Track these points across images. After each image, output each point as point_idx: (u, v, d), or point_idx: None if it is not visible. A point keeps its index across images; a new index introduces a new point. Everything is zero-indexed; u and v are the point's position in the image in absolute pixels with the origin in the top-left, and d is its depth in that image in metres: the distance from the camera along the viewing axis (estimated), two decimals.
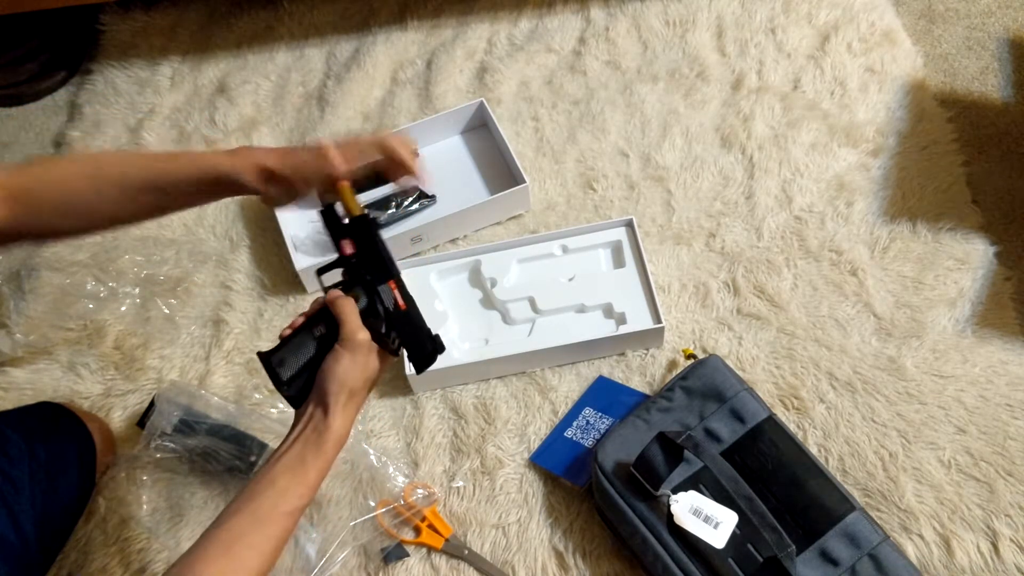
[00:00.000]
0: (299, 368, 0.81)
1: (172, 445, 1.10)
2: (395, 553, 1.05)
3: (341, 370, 0.78)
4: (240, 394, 1.21)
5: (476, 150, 1.42)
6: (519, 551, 1.05)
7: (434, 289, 1.26)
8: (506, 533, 1.07)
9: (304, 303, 1.29)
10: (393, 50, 1.60)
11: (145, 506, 1.09)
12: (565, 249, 1.28)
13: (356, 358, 0.79)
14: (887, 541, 0.94)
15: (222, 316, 1.29)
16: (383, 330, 0.83)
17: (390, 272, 0.85)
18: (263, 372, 1.22)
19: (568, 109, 1.47)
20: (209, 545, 0.73)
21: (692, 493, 0.97)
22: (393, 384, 1.20)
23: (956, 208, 1.28)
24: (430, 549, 1.07)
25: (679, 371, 1.12)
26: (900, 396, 1.12)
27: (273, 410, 1.17)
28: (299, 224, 1.35)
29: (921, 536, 1.01)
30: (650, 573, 0.98)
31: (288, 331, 0.83)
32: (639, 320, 1.19)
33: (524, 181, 1.30)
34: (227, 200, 1.43)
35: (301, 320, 0.84)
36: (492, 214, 1.33)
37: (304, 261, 1.29)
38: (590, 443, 1.10)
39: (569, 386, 1.18)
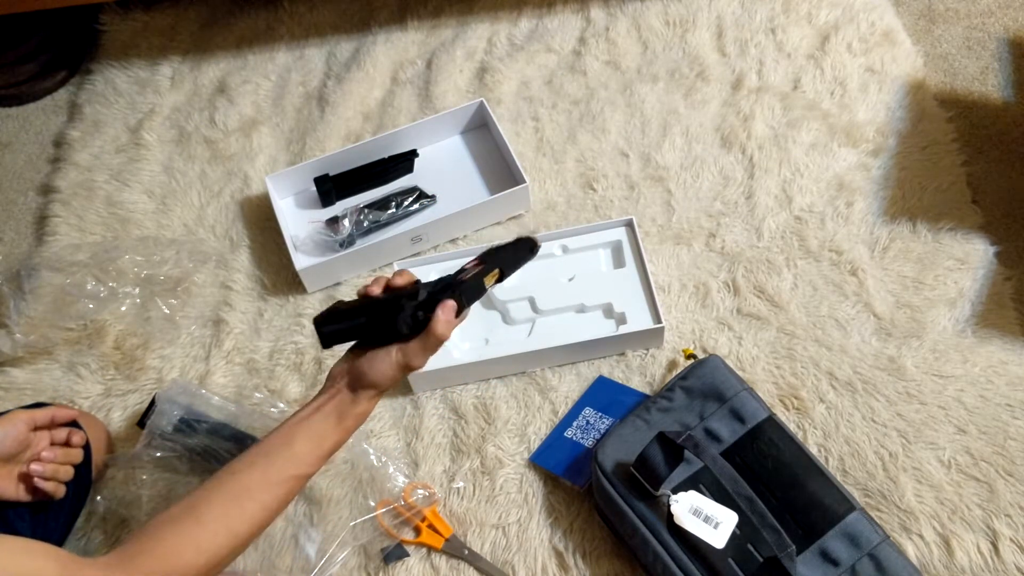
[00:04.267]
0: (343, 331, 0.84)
1: (172, 444, 1.10)
2: (395, 553, 1.05)
3: (387, 376, 0.81)
4: (240, 394, 1.21)
5: (476, 150, 1.42)
6: (519, 551, 1.05)
7: None
8: (506, 533, 1.07)
9: (304, 303, 1.29)
10: (393, 50, 1.60)
11: (145, 506, 1.09)
12: (565, 249, 1.28)
13: (401, 376, 0.82)
14: (887, 541, 0.94)
15: (222, 316, 1.29)
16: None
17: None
18: (262, 371, 1.23)
19: (568, 109, 1.47)
20: (217, 490, 0.77)
21: (692, 493, 0.97)
22: None
23: (956, 208, 1.28)
24: (430, 549, 1.07)
25: (679, 371, 1.12)
26: (900, 396, 1.12)
27: (273, 410, 1.17)
28: (299, 224, 1.35)
29: (921, 536, 1.01)
30: (650, 573, 0.98)
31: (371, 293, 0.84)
32: (639, 320, 1.19)
33: (524, 181, 1.30)
34: (227, 200, 1.43)
35: (378, 290, 0.84)
36: (492, 214, 1.33)
37: (304, 261, 1.29)
38: (590, 443, 1.10)
39: (569, 386, 1.18)
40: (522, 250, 0.95)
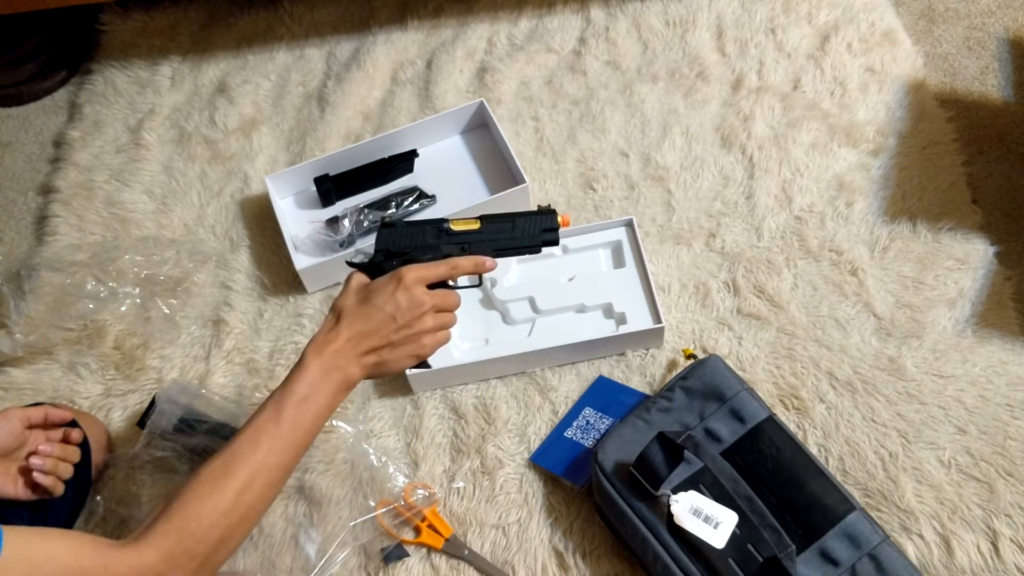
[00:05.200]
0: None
1: (172, 444, 1.10)
2: (395, 553, 1.05)
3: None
4: (240, 394, 1.21)
5: (476, 150, 1.42)
6: (519, 551, 1.05)
7: None
8: (506, 533, 1.07)
9: (304, 303, 1.29)
10: (393, 50, 1.60)
11: (144, 506, 1.09)
12: (565, 249, 1.28)
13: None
14: (887, 541, 0.94)
15: (222, 316, 1.29)
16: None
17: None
18: (262, 371, 1.23)
19: (568, 109, 1.47)
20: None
21: (692, 493, 0.97)
22: (393, 384, 1.20)
23: (956, 208, 1.28)
24: (430, 549, 1.07)
25: (679, 371, 1.12)
26: (900, 396, 1.12)
27: None
28: (299, 224, 1.35)
29: (921, 536, 1.01)
30: (650, 573, 0.98)
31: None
32: (639, 320, 1.19)
33: (524, 181, 1.30)
34: (227, 200, 1.43)
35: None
36: None
37: (304, 261, 1.29)
38: (590, 443, 1.10)
39: (569, 386, 1.18)
40: (538, 226, 0.99)
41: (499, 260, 0.98)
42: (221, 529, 0.78)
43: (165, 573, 0.75)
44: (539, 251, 0.99)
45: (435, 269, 0.90)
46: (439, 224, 0.97)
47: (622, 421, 1.07)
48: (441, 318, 0.89)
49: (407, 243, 0.95)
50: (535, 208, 1.00)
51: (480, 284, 1.02)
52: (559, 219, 0.99)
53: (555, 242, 0.99)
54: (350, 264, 0.96)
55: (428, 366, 0.96)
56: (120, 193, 1.46)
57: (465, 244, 0.97)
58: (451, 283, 0.93)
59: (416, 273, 0.88)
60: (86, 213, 1.44)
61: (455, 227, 0.96)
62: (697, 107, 1.44)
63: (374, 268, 0.93)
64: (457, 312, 0.92)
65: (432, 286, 0.89)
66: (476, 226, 0.97)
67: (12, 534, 0.69)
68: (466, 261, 0.93)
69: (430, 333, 0.88)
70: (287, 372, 1.20)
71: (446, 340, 0.91)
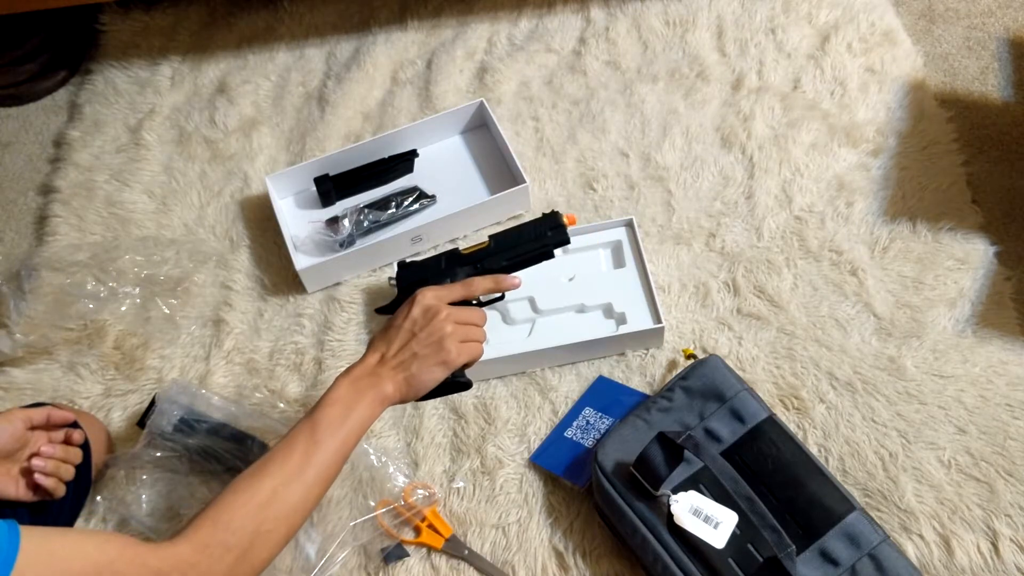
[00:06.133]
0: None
1: (172, 444, 1.10)
2: (395, 553, 1.05)
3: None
4: (240, 394, 1.21)
5: (476, 150, 1.42)
6: (519, 551, 1.05)
7: None
8: (506, 533, 1.07)
9: (304, 303, 1.29)
10: (393, 50, 1.60)
11: (145, 505, 1.09)
12: (565, 249, 1.28)
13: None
14: (887, 541, 0.94)
15: (222, 316, 1.29)
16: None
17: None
18: (262, 371, 1.23)
19: (568, 109, 1.47)
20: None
21: (692, 493, 0.97)
22: None
23: (956, 208, 1.28)
24: (430, 549, 1.07)
25: (679, 371, 1.12)
26: (900, 396, 1.12)
27: (273, 410, 1.17)
28: (299, 224, 1.35)
29: (921, 536, 1.01)
30: (650, 573, 0.98)
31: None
32: (639, 320, 1.19)
33: (524, 181, 1.30)
34: (227, 200, 1.43)
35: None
36: (492, 214, 1.33)
37: (304, 261, 1.29)
38: (590, 443, 1.10)
39: (569, 386, 1.18)
40: (544, 228, 1.02)
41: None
42: (257, 521, 0.77)
43: (199, 564, 0.73)
44: (552, 255, 1.02)
45: (451, 289, 0.93)
46: (452, 252, 1.02)
47: (622, 421, 1.07)
48: (464, 330, 0.90)
49: (424, 274, 1.00)
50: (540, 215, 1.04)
51: (503, 298, 1.05)
52: (563, 218, 1.01)
53: (565, 240, 1.02)
54: (378, 311, 1.03)
55: (468, 385, 0.94)
56: (120, 193, 1.46)
57: (478, 262, 1.01)
58: (474, 301, 0.95)
59: (432, 292, 0.91)
60: (86, 213, 1.44)
61: (466, 251, 1.01)
62: (697, 107, 1.44)
63: (398, 306, 0.95)
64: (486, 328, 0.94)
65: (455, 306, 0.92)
66: (486, 244, 1.00)
67: (30, 534, 0.68)
68: (484, 280, 0.95)
69: (451, 338, 0.88)
70: (287, 373, 1.23)
71: (478, 353, 0.92)
